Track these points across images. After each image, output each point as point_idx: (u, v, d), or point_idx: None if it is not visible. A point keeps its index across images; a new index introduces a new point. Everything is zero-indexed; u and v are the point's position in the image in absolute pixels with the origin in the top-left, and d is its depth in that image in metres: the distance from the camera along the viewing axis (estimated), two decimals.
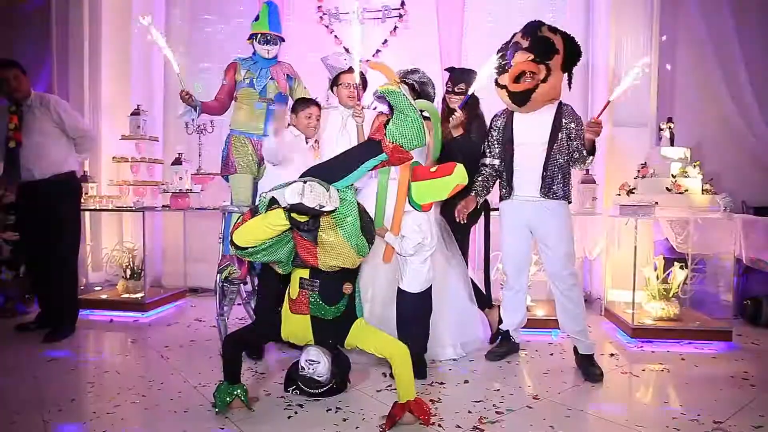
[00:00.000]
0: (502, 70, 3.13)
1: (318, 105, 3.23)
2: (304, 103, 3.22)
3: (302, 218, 2.18)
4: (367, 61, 3.31)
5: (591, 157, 2.99)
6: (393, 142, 2.29)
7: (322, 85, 4.24)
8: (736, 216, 3.75)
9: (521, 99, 3.01)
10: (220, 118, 3.91)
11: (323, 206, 2.14)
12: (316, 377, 2.56)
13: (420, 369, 2.90)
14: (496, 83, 3.12)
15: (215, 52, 5.31)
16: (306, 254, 2.33)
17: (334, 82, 3.42)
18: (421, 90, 3.41)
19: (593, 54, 4.72)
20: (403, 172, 2.75)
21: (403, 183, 2.78)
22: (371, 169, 2.41)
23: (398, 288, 3.03)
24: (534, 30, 3.03)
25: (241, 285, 3.58)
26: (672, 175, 4.03)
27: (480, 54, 4.71)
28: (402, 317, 3.02)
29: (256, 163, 3.47)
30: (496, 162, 3.22)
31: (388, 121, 2.33)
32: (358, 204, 2.40)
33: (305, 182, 2.13)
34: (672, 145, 4.24)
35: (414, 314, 3.01)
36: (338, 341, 2.55)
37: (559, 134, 3.02)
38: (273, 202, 2.27)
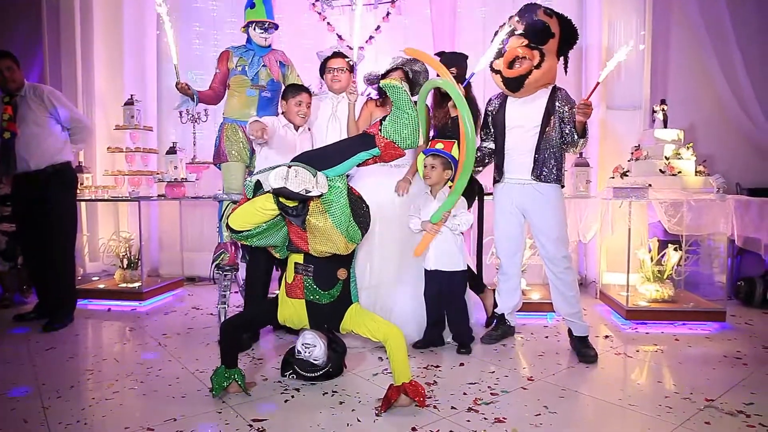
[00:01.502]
0: (497, 54, 3.13)
1: (309, 92, 3.22)
2: (294, 89, 3.20)
3: (290, 203, 2.18)
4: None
5: (582, 140, 2.99)
6: (387, 138, 2.30)
7: (314, 72, 4.24)
8: (729, 197, 3.76)
9: (515, 85, 3.02)
10: (213, 107, 3.91)
11: (309, 191, 2.14)
12: (312, 360, 2.60)
13: (439, 340, 3.23)
14: (491, 68, 3.12)
15: (208, 36, 5.28)
16: (297, 239, 2.34)
17: (323, 69, 3.42)
18: (413, 79, 3.42)
19: (586, 36, 4.71)
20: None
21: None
22: (362, 163, 2.42)
23: (449, 272, 3.10)
24: (529, 14, 3.01)
25: (235, 272, 3.60)
26: (665, 157, 4.05)
27: (473, 38, 4.73)
28: (456, 296, 3.14)
29: (248, 151, 3.47)
30: (491, 145, 3.23)
31: (384, 117, 2.33)
32: (355, 192, 2.41)
33: (290, 167, 2.14)
34: (665, 127, 4.26)
35: (464, 289, 3.19)
36: (333, 326, 2.57)
37: (552, 118, 3.02)
38: (259, 186, 2.27)
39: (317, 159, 2.31)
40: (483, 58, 3.09)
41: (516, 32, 3.04)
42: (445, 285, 3.11)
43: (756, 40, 4.70)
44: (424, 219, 3.02)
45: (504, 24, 3.15)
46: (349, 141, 2.48)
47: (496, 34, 3.19)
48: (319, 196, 2.22)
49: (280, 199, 2.18)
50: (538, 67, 2.95)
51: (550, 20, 3.00)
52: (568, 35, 3.04)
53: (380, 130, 2.31)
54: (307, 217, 2.24)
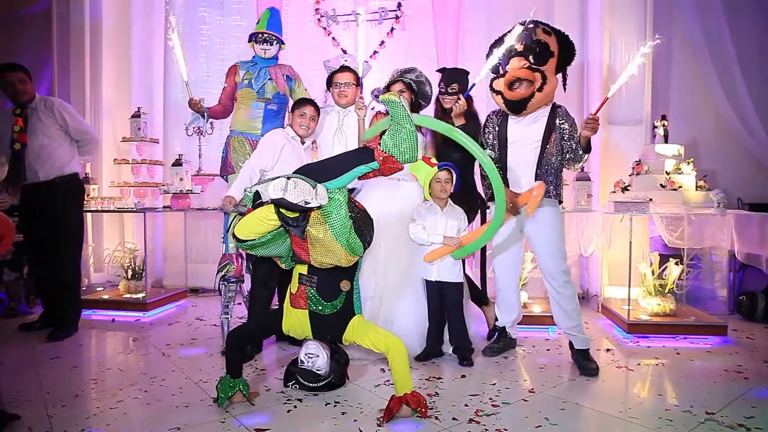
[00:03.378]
0: (496, 74, 3.14)
1: (314, 104, 3.27)
2: (299, 102, 3.27)
3: (291, 214, 2.21)
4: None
5: (586, 155, 3.01)
6: (386, 152, 2.33)
7: (320, 85, 4.31)
8: (729, 212, 3.78)
9: (518, 107, 3.02)
10: (219, 120, 3.97)
11: (308, 202, 2.16)
12: (315, 370, 2.62)
13: (439, 351, 3.23)
14: (492, 88, 3.11)
15: (214, 50, 5.37)
16: (299, 250, 2.37)
17: (329, 83, 3.46)
18: (418, 90, 3.46)
19: (588, 53, 4.77)
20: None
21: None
22: (362, 177, 2.44)
23: (447, 283, 3.13)
24: (529, 33, 3.01)
25: (241, 284, 3.63)
26: (666, 172, 4.08)
27: (476, 54, 4.77)
28: (454, 307, 3.16)
29: None
30: (493, 153, 3.21)
31: (384, 131, 2.37)
32: (359, 205, 2.44)
33: (289, 178, 2.17)
34: (666, 142, 4.29)
35: (462, 300, 3.19)
36: (336, 337, 2.59)
37: (553, 134, 3.04)
38: (258, 197, 2.31)
39: (316, 172, 2.34)
40: (481, 71, 3.12)
41: (516, 51, 3.03)
42: (445, 296, 3.15)
43: (756, 56, 4.76)
44: (431, 229, 3.10)
45: (499, 39, 3.16)
46: (348, 154, 2.51)
47: (492, 47, 3.19)
48: (318, 208, 2.26)
49: (281, 210, 2.22)
50: (540, 89, 2.96)
51: (549, 38, 3.01)
52: (566, 52, 3.06)
53: (380, 143, 2.35)
54: (308, 227, 2.27)
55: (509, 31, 3.11)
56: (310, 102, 3.27)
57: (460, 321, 3.18)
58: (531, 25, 3.03)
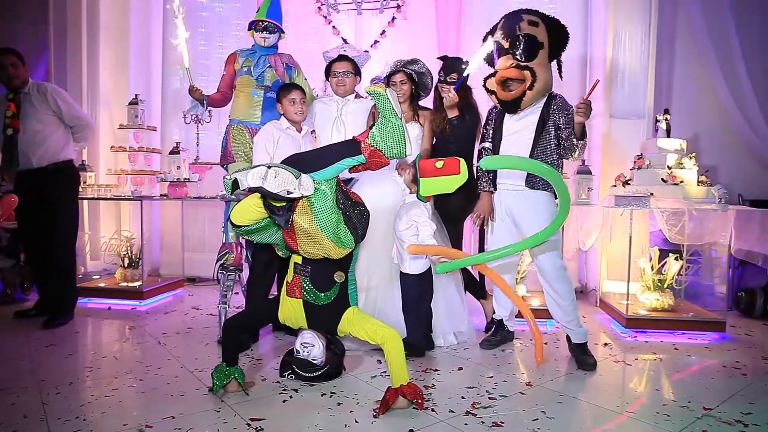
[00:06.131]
0: (493, 67, 3.07)
1: (297, 87, 3.23)
2: (284, 89, 3.23)
3: (277, 203, 2.18)
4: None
5: (581, 143, 2.90)
6: (373, 146, 2.29)
7: (320, 75, 4.27)
8: (730, 208, 3.76)
9: (512, 107, 2.98)
10: (217, 108, 3.94)
11: (291, 192, 2.13)
12: (311, 360, 2.60)
13: (429, 344, 3.18)
14: (486, 88, 3.06)
15: (214, 35, 5.31)
16: (288, 239, 2.35)
17: (327, 72, 3.43)
18: (419, 80, 3.42)
19: (591, 47, 4.73)
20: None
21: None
22: (351, 170, 2.41)
23: (401, 272, 3.09)
24: (513, 29, 2.90)
25: (239, 273, 3.61)
26: (668, 167, 4.05)
27: (478, 43, 4.72)
28: (407, 299, 3.10)
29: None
30: (489, 145, 3.15)
31: (373, 125, 2.34)
32: (355, 197, 2.42)
33: (269, 167, 2.14)
34: (668, 136, 4.26)
35: (418, 294, 3.10)
36: (330, 328, 2.58)
37: (547, 125, 2.97)
38: (236, 185, 2.28)
39: (303, 162, 2.31)
40: (471, 64, 3.06)
41: (503, 49, 2.95)
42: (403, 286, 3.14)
43: (761, 52, 4.71)
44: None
45: (492, 29, 3.08)
46: (336, 146, 2.48)
47: (484, 38, 3.13)
48: (302, 198, 2.23)
49: (268, 199, 2.19)
50: (531, 87, 2.89)
51: (537, 29, 2.90)
52: (558, 38, 2.97)
53: (368, 137, 2.31)
54: (293, 217, 2.24)
55: (498, 23, 3.06)
56: (293, 86, 3.25)
57: (411, 313, 3.14)
58: (514, 19, 2.93)
